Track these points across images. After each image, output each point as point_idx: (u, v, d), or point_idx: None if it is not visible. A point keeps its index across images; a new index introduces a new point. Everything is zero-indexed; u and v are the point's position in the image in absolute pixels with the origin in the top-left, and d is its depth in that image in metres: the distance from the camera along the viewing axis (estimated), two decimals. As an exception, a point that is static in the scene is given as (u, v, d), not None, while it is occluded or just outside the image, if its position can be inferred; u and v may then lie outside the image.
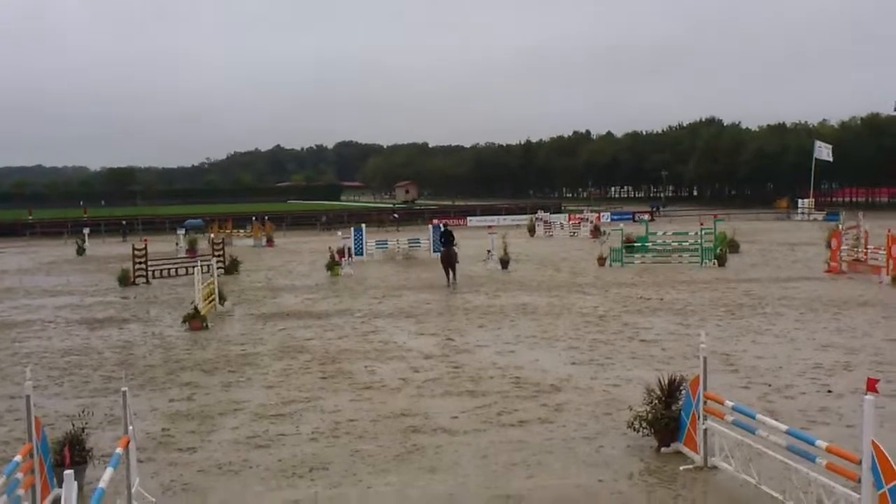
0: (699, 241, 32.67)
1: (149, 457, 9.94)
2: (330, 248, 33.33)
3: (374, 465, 9.55)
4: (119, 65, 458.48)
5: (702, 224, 34.31)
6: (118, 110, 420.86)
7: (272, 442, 10.53)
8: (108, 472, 6.88)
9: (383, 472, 9.33)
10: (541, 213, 66.29)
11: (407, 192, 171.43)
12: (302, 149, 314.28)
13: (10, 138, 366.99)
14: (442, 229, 31.01)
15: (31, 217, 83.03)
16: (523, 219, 68.05)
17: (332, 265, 31.68)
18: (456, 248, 28.51)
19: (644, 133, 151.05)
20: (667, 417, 9.71)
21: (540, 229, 56.45)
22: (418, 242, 40.12)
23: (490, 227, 49.67)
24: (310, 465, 9.59)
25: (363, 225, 41.13)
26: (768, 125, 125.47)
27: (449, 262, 27.86)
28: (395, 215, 75.75)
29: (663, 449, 9.72)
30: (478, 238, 46.75)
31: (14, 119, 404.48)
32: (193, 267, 24.26)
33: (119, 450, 7.52)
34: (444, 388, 13.18)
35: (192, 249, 42.38)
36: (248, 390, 13.42)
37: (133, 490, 7.91)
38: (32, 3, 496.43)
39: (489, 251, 33.38)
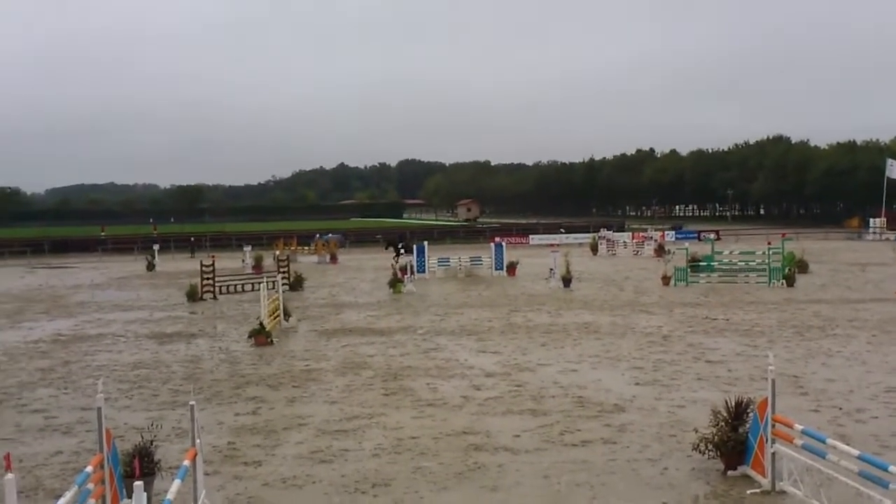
0: (767, 260, 32.06)
1: (215, 470, 10.09)
2: (392, 265, 33.51)
3: (436, 483, 9.55)
4: (188, 88, 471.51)
5: (769, 243, 33.59)
6: (188, 131, 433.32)
7: (335, 457, 10.61)
8: (176, 484, 7.00)
9: (444, 490, 9.32)
10: (604, 232, 65.75)
11: (469, 210, 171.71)
12: (365, 167, 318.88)
13: (86, 157, 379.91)
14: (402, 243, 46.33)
15: (104, 233, 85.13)
16: (586, 237, 67.56)
17: (395, 282, 31.86)
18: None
19: (710, 151, 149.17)
20: (733, 440, 9.52)
21: (603, 248, 55.98)
22: (480, 261, 40.06)
23: (552, 245, 49.44)
24: (372, 481, 9.63)
25: (425, 242, 41.28)
26: (838, 143, 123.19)
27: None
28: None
29: (730, 472, 9.53)
30: (540, 256, 46.58)
31: (89, 139, 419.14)
32: (259, 283, 24.61)
33: (186, 462, 7.65)
34: (506, 407, 13.13)
35: (258, 266, 43.09)
36: (311, 405, 13.56)
37: (199, 502, 8.05)
38: (103, 30, 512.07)
39: (551, 269, 33.21)
